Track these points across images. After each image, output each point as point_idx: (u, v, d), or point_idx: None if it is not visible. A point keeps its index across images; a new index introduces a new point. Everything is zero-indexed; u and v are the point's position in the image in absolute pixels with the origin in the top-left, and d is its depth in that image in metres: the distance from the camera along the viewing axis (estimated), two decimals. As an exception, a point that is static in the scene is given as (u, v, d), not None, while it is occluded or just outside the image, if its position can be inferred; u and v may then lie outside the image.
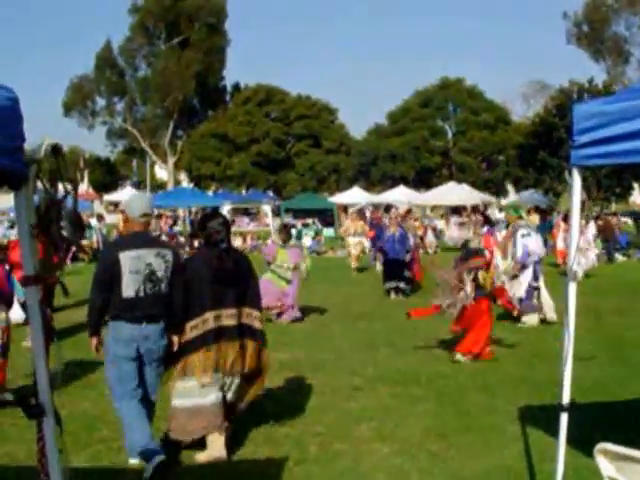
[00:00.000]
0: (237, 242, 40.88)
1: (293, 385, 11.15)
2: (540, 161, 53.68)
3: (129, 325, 7.42)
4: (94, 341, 7.60)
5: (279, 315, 16.95)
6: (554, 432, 6.12)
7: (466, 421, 9.30)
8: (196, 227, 8.68)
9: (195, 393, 7.96)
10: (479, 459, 7.91)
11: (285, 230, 17.80)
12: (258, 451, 8.28)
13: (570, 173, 5.62)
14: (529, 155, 56.09)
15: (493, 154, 78.80)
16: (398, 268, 21.53)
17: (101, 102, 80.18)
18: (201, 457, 8.02)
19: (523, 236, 16.04)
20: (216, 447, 8.03)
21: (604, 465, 5.06)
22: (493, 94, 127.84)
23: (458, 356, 12.88)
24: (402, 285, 21.40)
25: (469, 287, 12.99)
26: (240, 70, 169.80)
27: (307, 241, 42.49)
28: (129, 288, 7.39)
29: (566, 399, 5.74)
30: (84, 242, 29.88)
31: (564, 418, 5.78)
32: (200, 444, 8.06)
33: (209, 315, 7.99)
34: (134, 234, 7.75)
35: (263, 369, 8.60)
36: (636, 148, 5.04)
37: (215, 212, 9.90)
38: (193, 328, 7.96)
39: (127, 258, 7.40)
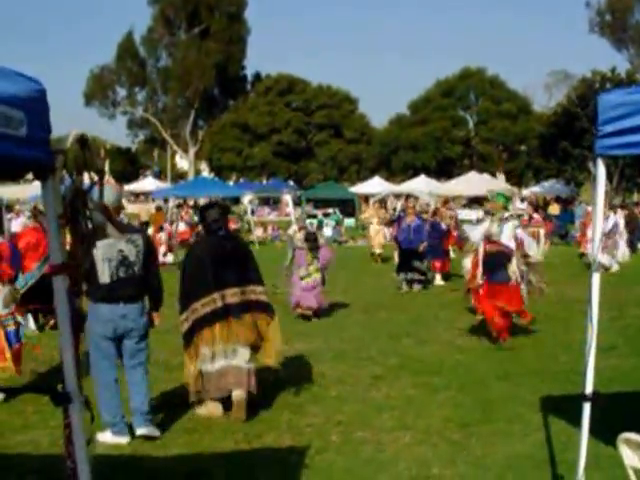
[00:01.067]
0: (258, 232, 40.94)
1: (314, 375, 11.14)
2: (562, 151, 53.43)
3: (107, 306, 8.02)
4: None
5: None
6: (576, 422, 6.11)
7: (488, 410, 9.29)
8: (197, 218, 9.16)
9: (218, 357, 8.95)
10: (501, 448, 7.90)
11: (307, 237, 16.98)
12: (280, 440, 8.31)
13: (594, 162, 5.61)
14: (551, 145, 55.86)
15: (514, 144, 78.52)
16: (411, 259, 20.85)
17: (122, 92, 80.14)
18: (201, 411, 9.12)
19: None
20: (238, 407, 8.98)
21: (627, 454, 5.06)
22: (515, 84, 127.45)
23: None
24: (416, 277, 20.88)
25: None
26: (261, 60, 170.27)
27: (328, 231, 42.50)
28: (104, 275, 8.05)
29: (589, 389, 5.73)
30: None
31: (587, 408, 5.77)
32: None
33: (216, 295, 8.91)
34: None
35: (274, 339, 9.41)
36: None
37: (212, 202, 10.65)
38: (205, 305, 8.90)
39: (100, 247, 7.94)
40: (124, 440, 8.17)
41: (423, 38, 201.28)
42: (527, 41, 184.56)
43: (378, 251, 29.20)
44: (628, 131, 5.19)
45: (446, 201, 36.73)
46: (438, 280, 21.90)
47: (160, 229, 32.47)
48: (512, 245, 13.84)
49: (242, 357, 9.08)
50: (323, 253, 16.51)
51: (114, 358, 8.35)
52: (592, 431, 5.93)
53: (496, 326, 13.20)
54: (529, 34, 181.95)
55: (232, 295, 8.99)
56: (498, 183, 48.14)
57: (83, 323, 4.62)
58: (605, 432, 6.56)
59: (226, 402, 9.16)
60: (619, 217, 29.97)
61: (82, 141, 4.13)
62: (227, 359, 9.00)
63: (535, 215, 21.34)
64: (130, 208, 49.82)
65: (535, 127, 71.12)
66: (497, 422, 8.83)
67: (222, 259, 9.07)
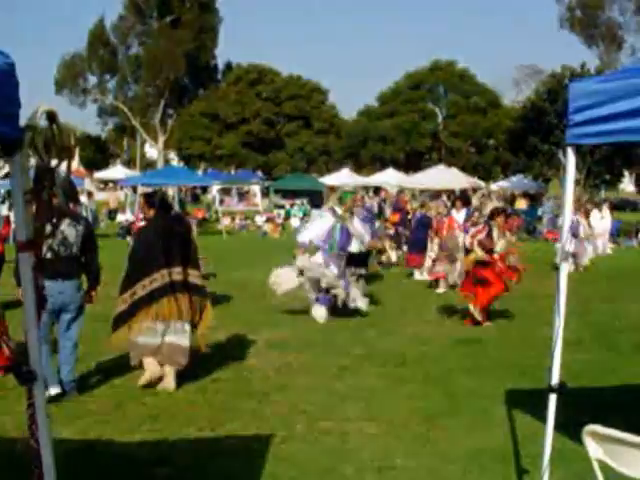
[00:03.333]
0: (226, 221, 40.83)
1: (280, 364, 11.13)
2: (530, 146, 53.57)
3: (48, 282, 8.15)
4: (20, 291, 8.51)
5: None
6: (541, 416, 6.10)
7: (453, 403, 9.30)
8: (142, 204, 9.75)
9: (158, 333, 9.64)
10: (465, 441, 7.89)
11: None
12: (244, 428, 8.27)
13: (564, 153, 5.59)
14: (519, 140, 55.95)
15: (483, 138, 78.75)
16: (359, 254, 18.68)
17: (93, 80, 79.71)
18: (159, 386, 9.65)
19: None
20: (169, 379, 9.65)
21: (592, 447, 5.03)
22: (484, 78, 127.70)
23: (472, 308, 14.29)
24: (363, 272, 19.22)
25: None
26: (232, 49, 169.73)
27: (295, 222, 42.52)
28: (48, 252, 8.76)
29: (555, 380, 5.70)
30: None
31: (553, 399, 5.75)
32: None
33: (164, 272, 9.59)
34: None
35: (206, 317, 10.11)
36: (631, 127, 4.98)
37: (156, 190, 11.81)
38: (153, 281, 9.57)
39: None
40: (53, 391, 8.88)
41: (393, 30, 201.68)
42: (497, 35, 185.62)
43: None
44: (599, 120, 5.15)
45: (401, 191, 36.63)
46: (417, 275, 21.63)
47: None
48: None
49: (179, 334, 9.74)
50: None
51: (47, 327, 8.83)
52: (557, 425, 5.91)
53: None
54: (499, 28, 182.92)
55: (177, 274, 9.69)
56: (466, 177, 48.17)
57: (45, 302, 4.56)
58: (570, 426, 6.54)
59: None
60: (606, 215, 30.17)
61: (51, 117, 4.05)
62: (165, 335, 9.68)
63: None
64: (99, 196, 49.59)
65: (504, 122, 71.26)
66: (462, 415, 8.83)
67: (170, 239, 9.80)
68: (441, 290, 19.00)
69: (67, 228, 8.95)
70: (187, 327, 9.80)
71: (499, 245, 14.49)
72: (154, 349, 9.67)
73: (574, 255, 23.53)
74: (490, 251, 14.27)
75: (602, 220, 30.59)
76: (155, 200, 10.46)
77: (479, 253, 14.28)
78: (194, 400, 9.27)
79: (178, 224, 10.35)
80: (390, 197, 41.33)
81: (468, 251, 14.59)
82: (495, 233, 14.49)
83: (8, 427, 8.07)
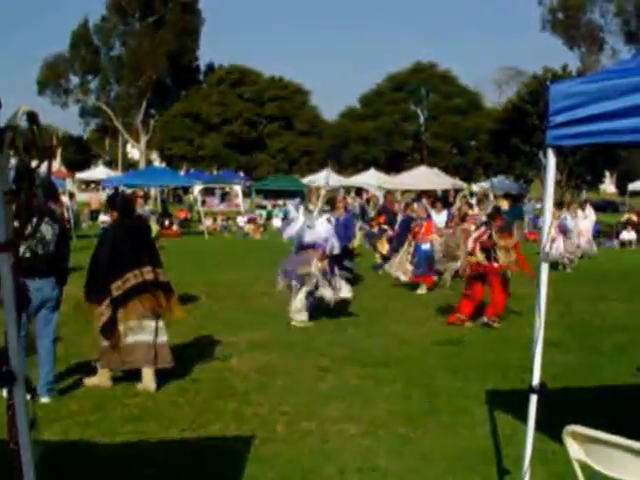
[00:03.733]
0: (208, 222, 40.76)
1: (261, 365, 11.11)
2: (512, 147, 53.75)
3: (26, 281, 8.25)
4: None
5: None
6: (522, 416, 6.10)
7: (434, 403, 9.30)
8: (106, 205, 10.07)
9: (136, 332, 9.66)
10: (447, 441, 7.90)
11: None
12: (225, 429, 8.26)
13: (544, 154, 5.60)
14: (501, 141, 56.14)
15: (465, 139, 78.92)
16: (340, 256, 18.09)
17: (75, 80, 79.58)
18: (139, 386, 9.66)
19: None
20: (148, 379, 9.63)
21: (573, 448, 5.04)
22: (466, 79, 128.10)
23: (485, 319, 14.51)
24: (344, 274, 18.23)
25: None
26: (214, 50, 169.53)
27: (277, 222, 42.50)
28: (27, 251, 8.79)
29: (536, 381, 5.71)
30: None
31: (534, 400, 5.76)
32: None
33: (137, 271, 9.68)
34: None
35: (177, 311, 10.27)
36: (611, 128, 5.01)
37: (119, 192, 11.82)
38: (127, 281, 9.62)
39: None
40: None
41: (376, 32, 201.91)
42: (479, 37, 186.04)
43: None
44: (579, 121, 5.17)
45: (389, 192, 36.60)
46: (402, 277, 21.48)
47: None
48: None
49: (152, 332, 9.77)
50: None
51: (26, 327, 8.62)
52: (538, 426, 5.93)
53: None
54: (481, 30, 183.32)
55: (147, 272, 9.78)
56: (448, 178, 48.30)
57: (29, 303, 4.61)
58: (551, 427, 6.54)
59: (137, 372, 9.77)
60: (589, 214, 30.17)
61: (31, 118, 4.04)
62: (136, 335, 9.69)
63: (471, 211, 21.13)
64: (81, 197, 49.42)
65: (485, 123, 71.41)
66: (443, 415, 8.83)
67: (137, 240, 9.98)
68: (422, 291, 18.96)
69: (45, 227, 9.01)
70: (155, 324, 9.82)
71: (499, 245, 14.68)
72: (146, 349, 9.70)
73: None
74: (489, 250, 14.58)
75: (585, 220, 30.61)
76: (118, 201, 10.57)
77: (480, 257, 14.53)
78: (175, 401, 9.25)
79: (142, 224, 10.79)
80: (374, 198, 41.36)
81: (470, 254, 14.71)
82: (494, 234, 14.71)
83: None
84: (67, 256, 9.60)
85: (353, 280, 18.40)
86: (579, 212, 29.82)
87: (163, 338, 9.88)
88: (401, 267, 19.46)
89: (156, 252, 10.27)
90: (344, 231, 18.86)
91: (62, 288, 9.50)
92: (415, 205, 22.54)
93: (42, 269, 9.03)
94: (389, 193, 33.51)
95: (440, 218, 21.84)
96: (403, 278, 19.29)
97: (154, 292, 9.79)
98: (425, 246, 19.01)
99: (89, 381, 9.82)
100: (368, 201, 40.63)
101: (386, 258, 22.57)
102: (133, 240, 9.87)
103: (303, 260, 14.38)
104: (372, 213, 34.17)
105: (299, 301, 14.39)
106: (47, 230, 9.06)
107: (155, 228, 20.02)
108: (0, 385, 4.27)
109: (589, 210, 32.03)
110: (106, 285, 9.60)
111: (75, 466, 7.14)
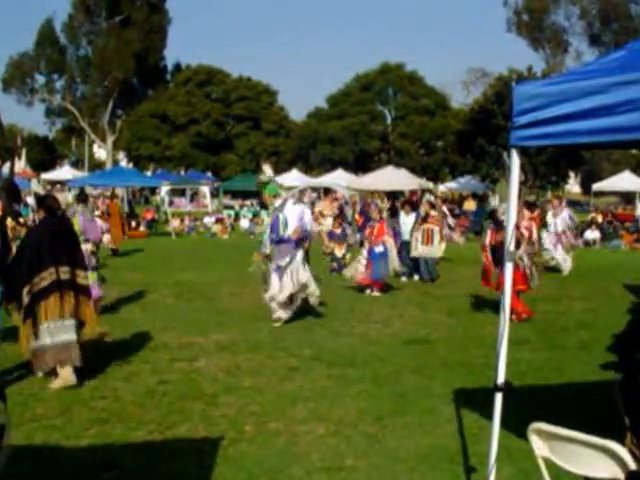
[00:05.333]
0: (175, 223, 40.62)
1: (229, 365, 11.11)
2: (478, 147, 53.95)
3: None
4: None
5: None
6: (488, 415, 6.15)
7: (401, 403, 9.34)
8: (35, 206, 10.45)
9: (52, 333, 9.73)
10: (414, 440, 7.94)
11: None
12: (193, 430, 8.25)
13: (509, 156, 5.65)
14: (467, 141, 56.33)
15: (431, 140, 79.12)
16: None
17: (41, 80, 78.95)
18: (55, 385, 9.78)
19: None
20: (67, 375, 9.80)
21: (537, 445, 5.09)
22: (433, 80, 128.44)
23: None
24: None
25: None
26: (181, 50, 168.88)
27: (245, 223, 42.45)
28: None
29: (501, 379, 5.76)
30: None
31: (499, 398, 5.81)
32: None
33: (52, 269, 9.74)
34: None
35: (91, 318, 10.29)
36: (574, 129, 5.07)
37: (46, 194, 12.09)
38: (42, 280, 9.67)
39: None
40: None
41: (343, 32, 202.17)
42: (446, 38, 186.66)
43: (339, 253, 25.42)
44: (543, 122, 5.22)
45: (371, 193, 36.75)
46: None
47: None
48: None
49: (69, 332, 9.89)
50: None
51: None
52: (504, 424, 5.98)
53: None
54: (448, 31, 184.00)
55: (64, 272, 9.86)
56: (415, 178, 48.36)
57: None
58: (517, 425, 6.62)
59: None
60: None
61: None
62: (55, 336, 9.77)
63: (433, 212, 21.25)
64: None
65: (452, 124, 71.63)
66: (410, 414, 8.87)
67: (58, 240, 10.01)
68: (376, 293, 18.70)
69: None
70: (71, 322, 9.93)
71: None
72: (64, 348, 9.84)
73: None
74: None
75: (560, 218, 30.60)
76: (46, 201, 10.62)
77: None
78: (142, 403, 9.22)
79: (65, 223, 10.69)
80: (352, 198, 41.28)
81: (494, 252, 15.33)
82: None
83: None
84: (5, 260, 9.68)
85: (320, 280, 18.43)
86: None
87: (73, 336, 9.93)
88: (352, 268, 19.42)
89: (80, 253, 10.45)
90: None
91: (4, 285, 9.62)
92: (372, 206, 22.51)
93: None
94: (367, 194, 33.49)
95: (409, 220, 21.93)
96: (352, 279, 19.14)
97: (67, 292, 9.86)
98: (378, 249, 18.76)
99: (54, 384, 9.78)
100: (346, 202, 40.44)
101: (336, 260, 22.70)
102: (54, 239, 9.94)
103: (286, 253, 14.36)
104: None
105: (283, 297, 14.40)
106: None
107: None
108: None
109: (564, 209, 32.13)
110: (24, 284, 9.68)
111: (39, 470, 7.11)
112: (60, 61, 77.43)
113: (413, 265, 21.66)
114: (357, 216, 30.22)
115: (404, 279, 21.09)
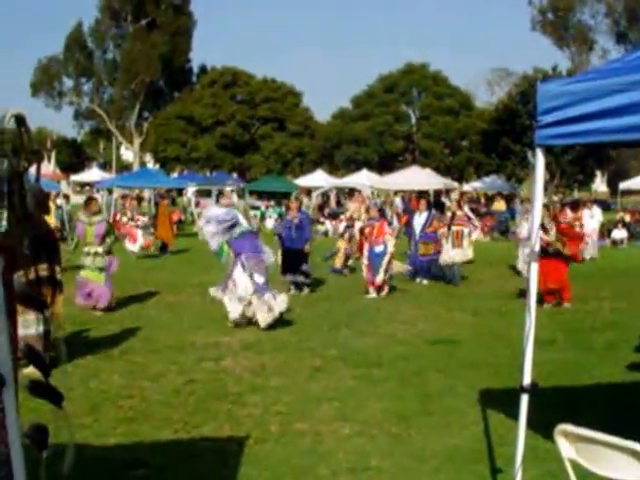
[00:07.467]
0: (200, 223, 40.61)
1: (255, 365, 11.12)
2: (503, 147, 53.79)
3: None
4: None
5: None
6: (514, 416, 6.12)
7: (427, 403, 9.32)
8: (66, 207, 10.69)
9: (25, 325, 9.87)
10: (439, 440, 7.92)
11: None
12: (219, 430, 8.27)
13: (534, 155, 5.63)
14: (492, 141, 56.17)
15: (456, 139, 78.87)
16: (295, 259, 18.81)
17: (69, 83, 79.49)
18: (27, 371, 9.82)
19: None
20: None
21: (564, 447, 5.06)
22: (457, 80, 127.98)
23: (567, 305, 16.90)
24: (300, 279, 18.93)
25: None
26: (207, 52, 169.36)
27: (271, 223, 42.47)
28: None
29: (527, 380, 5.74)
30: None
31: (525, 399, 5.78)
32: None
33: (32, 268, 9.29)
34: None
35: (59, 313, 10.50)
36: (600, 128, 5.04)
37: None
38: (21, 277, 9.32)
39: None
40: None
41: (367, 33, 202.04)
42: (470, 38, 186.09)
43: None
44: (567, 121, 5.20)
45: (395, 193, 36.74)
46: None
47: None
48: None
49: (35, 325, 10.24)
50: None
51: None
52: (530, 424, 5.96)
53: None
54: (473, 30, 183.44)
55: (43, 270, 9.67)
56: (440, 178, 48.27)
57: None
58: (543, 426, 6.58)
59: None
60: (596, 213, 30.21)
61: (19, 120, 4.05)
62: (26, 329, 9.86)
63: (459, 212, 20.85)
64: (75, 199, 49.39)
65: (477, 123, 71.41)
66: (436, 415, 8.86)
67: (39, 239, 9.95)
68: (372, 295, 18.29)
69: None
70: (34, 315, 10.16)
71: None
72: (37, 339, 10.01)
73: None
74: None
75: (592, 219, 30.42)
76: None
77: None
78: (169, 402, 9.26)
79: (44, 223, 10.73)
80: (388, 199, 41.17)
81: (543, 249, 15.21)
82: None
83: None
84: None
85: (345, 279, 18.43)
86: (586, 211, 29.78)
87: (35, 330, 10.22)
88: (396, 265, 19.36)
89: (56, 250, 10.52)
90: (299, 233, 18.85)
91: None
92: (371, 206, 22.34)
93: None
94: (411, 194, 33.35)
95: (420, 218, 21.55)
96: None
97: (46, 288, 9.87)
98: (378, 249, 18.42)
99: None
100: (385, 203, 40.24)
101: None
102: (34, 239, 10.10)
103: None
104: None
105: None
106: None
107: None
108: None
109: (596, 210, 31.95)
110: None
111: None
112: (88, 65, 78.07)
113: (419, 267, 21.27)
114: (400, 214, 30.09)
115: (425, 282, 20.77)
